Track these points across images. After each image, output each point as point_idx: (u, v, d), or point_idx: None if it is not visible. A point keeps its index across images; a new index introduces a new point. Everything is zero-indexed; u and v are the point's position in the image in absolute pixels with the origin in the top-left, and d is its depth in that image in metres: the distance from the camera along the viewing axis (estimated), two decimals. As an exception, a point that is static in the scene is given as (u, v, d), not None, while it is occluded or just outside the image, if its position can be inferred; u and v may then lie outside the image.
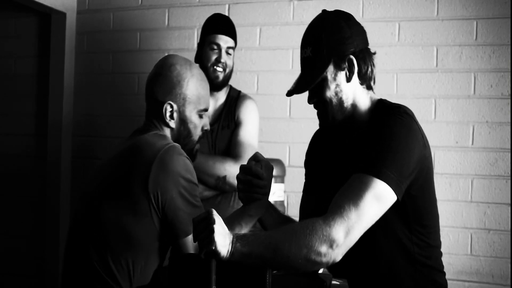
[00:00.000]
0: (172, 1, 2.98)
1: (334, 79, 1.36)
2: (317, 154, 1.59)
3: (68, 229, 1.53)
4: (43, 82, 3.22)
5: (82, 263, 1.42)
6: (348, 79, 1.37)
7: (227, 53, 2.26)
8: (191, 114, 1.55)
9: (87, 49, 3.16)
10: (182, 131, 1.55)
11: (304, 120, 2.72)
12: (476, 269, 2.50)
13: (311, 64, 1.39)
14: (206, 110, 1.59)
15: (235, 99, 2.35)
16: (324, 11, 1.44)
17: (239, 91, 2.40)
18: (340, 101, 1.37)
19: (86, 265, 1.41)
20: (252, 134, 2.28)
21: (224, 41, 2.24)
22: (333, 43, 1.36)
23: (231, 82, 2.37)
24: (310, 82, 1.38)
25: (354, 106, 1.39)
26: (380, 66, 2.60)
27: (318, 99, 1.40)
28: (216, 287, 1.18)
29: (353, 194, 1.19)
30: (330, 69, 1.36)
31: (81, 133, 3.17)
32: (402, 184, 1.24)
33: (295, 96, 1.44)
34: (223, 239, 1.15)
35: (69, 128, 3.16)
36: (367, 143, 1.28)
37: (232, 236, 1.18)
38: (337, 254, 1.17)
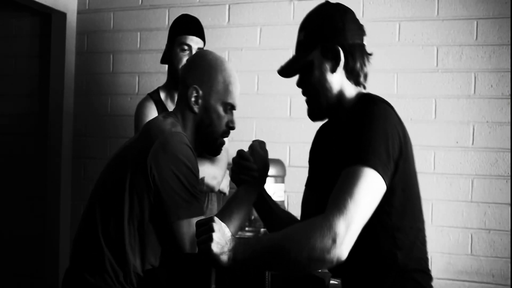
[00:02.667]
0: (172, 1, 2.98)
1: (320, 66, 1.38)
2: (317, 151, 1.62)
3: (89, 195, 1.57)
4: (43, 82, 3.22)
5: (91, 228, 1.46)
6: (333, 70, 1.38)
7: None
8: (216, 104, 1.57)
9: (87, 49, 3.16)
10: (205, 119, 1.57)
11: (304, 120, 2.69)
12: (476, 269, 2.50)
13: (301, 48, 1.43)
14: (233, 107, 1.61)
15: None
16: (327, 1, 1.45)
17: None
18: (324, 89, 1.39)
19: (94, 233, 1.45)
20: None
21: (195, 42, 2.24)
22: (323, 30, 1.39)
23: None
24: (294, 64, 1.43)
25: (339, 98, 1.40)
26: (380, 66, 2.61)
27: (304, 85, 1.43)
28: (215, 287, 1.18)
29: (346, 187, 1.19)
30: (317, 55, 1.38)
31: (81, 133, 3.17)
32: (388, 168, 1.23)
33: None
34: (220, 248, 1.16)
35: (69, 128, 3.16)
36: (349, 136, 1.28)
37: (233, 242, 1.18)
38: (341, 251, 1.14)
